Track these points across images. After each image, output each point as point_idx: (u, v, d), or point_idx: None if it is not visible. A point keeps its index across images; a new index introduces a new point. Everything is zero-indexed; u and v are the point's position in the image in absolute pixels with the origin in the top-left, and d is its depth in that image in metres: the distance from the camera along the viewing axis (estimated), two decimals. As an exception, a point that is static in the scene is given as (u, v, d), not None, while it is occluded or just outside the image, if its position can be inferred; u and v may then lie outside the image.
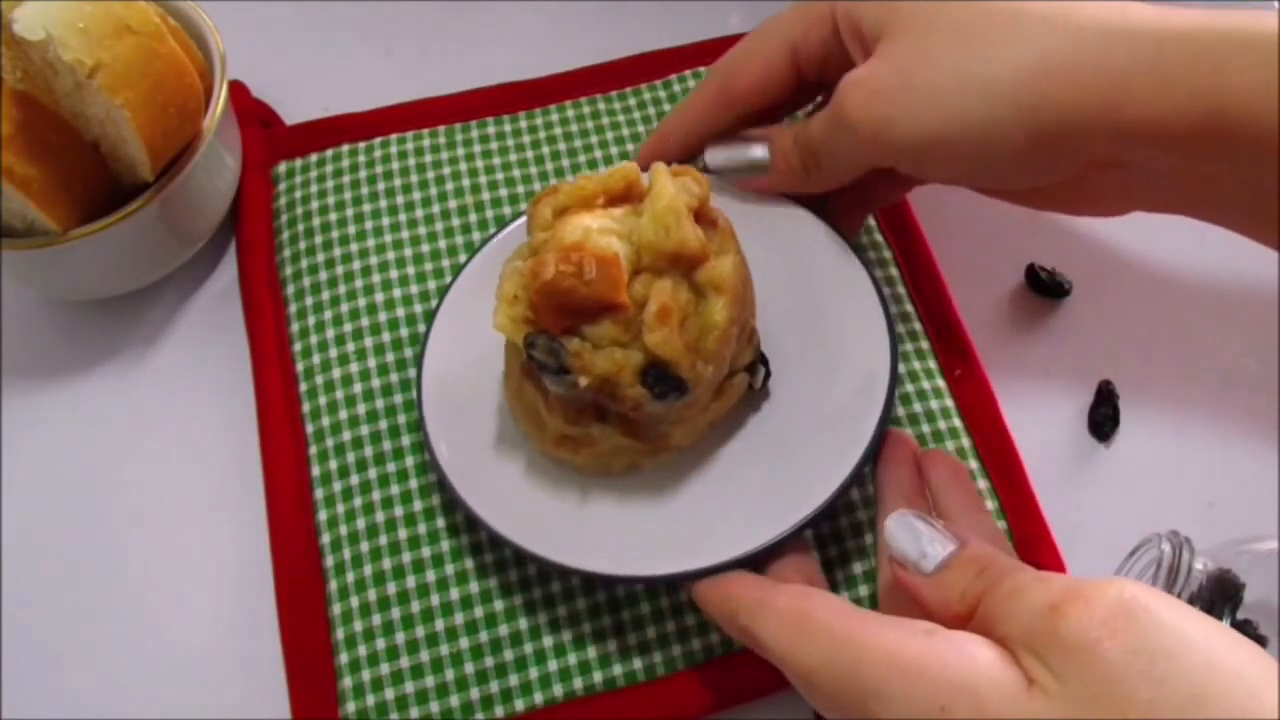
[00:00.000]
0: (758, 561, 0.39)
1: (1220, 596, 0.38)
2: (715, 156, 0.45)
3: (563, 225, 0.38)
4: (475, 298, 0.44)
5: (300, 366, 0.48)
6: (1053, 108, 0.36)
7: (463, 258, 0.50)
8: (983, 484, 0.45)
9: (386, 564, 0.43)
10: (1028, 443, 0.46)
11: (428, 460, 0.44)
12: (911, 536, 0.34)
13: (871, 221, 0.51)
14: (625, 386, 0.37)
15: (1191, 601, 0.38)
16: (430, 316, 0.45)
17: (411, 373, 0.47)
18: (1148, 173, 0.38)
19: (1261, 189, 0.36)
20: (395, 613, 0.42)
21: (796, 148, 0.42)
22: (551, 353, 0.37)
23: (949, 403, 0.46)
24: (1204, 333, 0.50)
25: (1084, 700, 0.26)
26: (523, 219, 0.46)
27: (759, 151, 0.44)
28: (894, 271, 0.50)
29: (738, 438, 0.43)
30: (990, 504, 0.44)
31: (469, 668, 0.41)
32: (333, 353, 0.48)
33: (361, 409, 0.46)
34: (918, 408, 0.46)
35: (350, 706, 0.40)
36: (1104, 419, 0.47)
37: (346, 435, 0.46)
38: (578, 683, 0.41)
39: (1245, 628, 0.39)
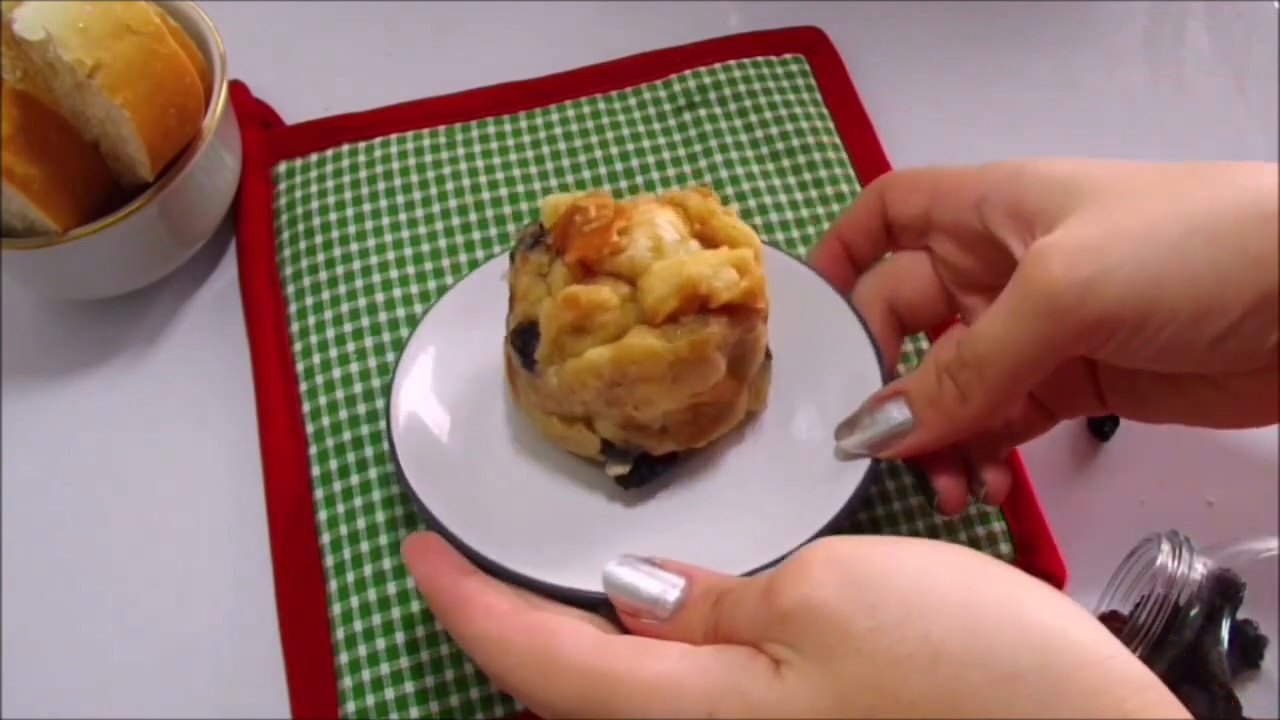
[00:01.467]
0: None
1: (1220, 596, 0.38)
2: (848, 440, 0.38)
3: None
4: (456, 324, 0.43)
5: (300, 366, 0.48)
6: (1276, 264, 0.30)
7: (463, 258, 0.50)
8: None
9: (386, 564, 0.43)
10: (1028, 443, 0.46)
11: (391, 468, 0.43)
12: (638, 584, 0.32)
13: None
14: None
15: (1191, 602, 0.38)
16: (400, 346, 0.43)
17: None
18: None
19: None
20: (395, 613, 0.42)
21: (947, 374, 0.35)
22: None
23: (949, 403, 0.46)
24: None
25: (821, 656, 0.26)
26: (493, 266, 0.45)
27: (897, 413, 0.36)
28: (894, 271, 0.50)
29: (733, 460, 0.41)
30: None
31: (469, 667, 0.41)
32: (333, 353, 0.48)
33: (361, 409, 0.46)
34: (918, 408, 0.46)
35: (350, 706, 0.40)
36: (1104, 419, 0.47)
37: (346, 435, 0.45)
38: (578, 683, 0.41)
39: (1245, 628, 0.39)
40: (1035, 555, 0.43)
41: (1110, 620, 0.41)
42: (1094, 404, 0.40)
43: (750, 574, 0.34)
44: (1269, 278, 0.31)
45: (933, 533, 0.43)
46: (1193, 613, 0.38)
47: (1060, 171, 0.35)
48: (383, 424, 0.43)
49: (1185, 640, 0.38)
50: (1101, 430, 0.47)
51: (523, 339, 0.37)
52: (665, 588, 0.32)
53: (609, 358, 0.35)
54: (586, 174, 0.53)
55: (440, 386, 0.42)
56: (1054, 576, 0.43)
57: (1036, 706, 0.24)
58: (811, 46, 0.58)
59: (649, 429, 0.38)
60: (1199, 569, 0.38)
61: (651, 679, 0.28)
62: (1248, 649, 0.39)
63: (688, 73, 0.56)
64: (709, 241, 0.37)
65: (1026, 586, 0.27)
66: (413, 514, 0.44)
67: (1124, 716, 0.24)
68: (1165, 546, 0.39)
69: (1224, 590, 0.38)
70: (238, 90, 0.55)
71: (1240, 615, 0.38)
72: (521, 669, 0.31)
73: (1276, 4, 0.60)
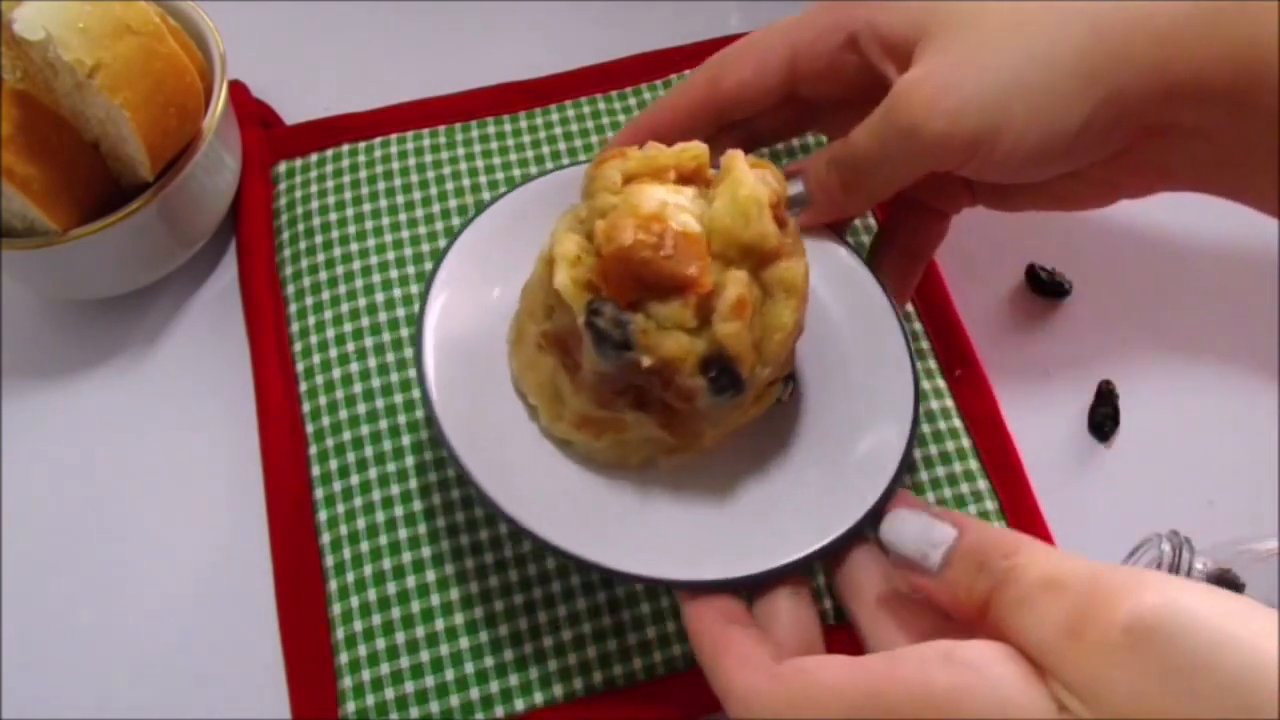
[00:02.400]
0: (756, 584, 0.36)
1: None
2: None
3: (635, 192, 0.36)
4: (483, 261, 0.42)
5: (300, 366, 0.48)
6: (1110, 74, 0.36)
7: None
8: (982, 484, 0.45)
9: (386, 564, 0.43)
10: (1028, 443, 0.46)
11: (432, 432, 0.41)
12: (908, 534, 0.32)
13: (871, 221, 0.51)
14: (685, 375, 0.35)
15: None
16: (426, 283, 0.41)
17: (412, 373, 0.47)
18: (1189, 139, 0.37)
19: None
20: (395, 613, 0.42)
21: (835, 168, 0.40)
22: (618, 324, 0.34)
23: (949, 403, 0.47)
24: (1204, 333, 0.50)
25: (1128, 703, 0.24)
26: (535, 184, 0.44)
27: (794, 187, 0.41)
28: (894, 271, 0.50)
29: (758, 447, 0.41)
30: (990, 504, 0.44)
31: (469, 667, 0.41)
32: (333, 353, 0.48)
33: (361, 409, 0.46)
34: (918, 408, 0.46)
35: (350, 706, 0.40)
36: (1104, 419, 0.47)
37: (346, 435, 0.46)
38: (578, 683, 0.41)
39: None
40: (1035, 555, 0.43)
41: None
42: (966, 198, 0.45)
43: (758, 576, 0.36)
44: (1103, 87, 0.36)
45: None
46: None
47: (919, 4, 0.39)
48: (414, 380, 0.43)
49: None
50: (1101, 430, 0.47)
51: (719, 372, 0.36)
52: (934, 535, 0.31)
53: (804, 270, 0.37)
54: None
55: (463, 328, 0.41)
56: (1054, 576, 0.43)
57: None
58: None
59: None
60: (1199, 569, 0.38)
61: (921, 689, 0.27)
62: None
63: (688, 73, 0.56)
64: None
65: None
66: (413, 514, 0.44)
67: None
68: (1165, 547, 0.39)
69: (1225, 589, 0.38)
70: (238, 90, 0.55)
71: None
72: (781, 710, 0.30)
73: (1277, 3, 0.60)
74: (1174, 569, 0.38)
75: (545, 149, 0.54)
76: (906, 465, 0.38)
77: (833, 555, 0.36)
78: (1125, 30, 0.36)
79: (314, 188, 0.53)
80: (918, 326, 0.48)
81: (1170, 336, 0.50)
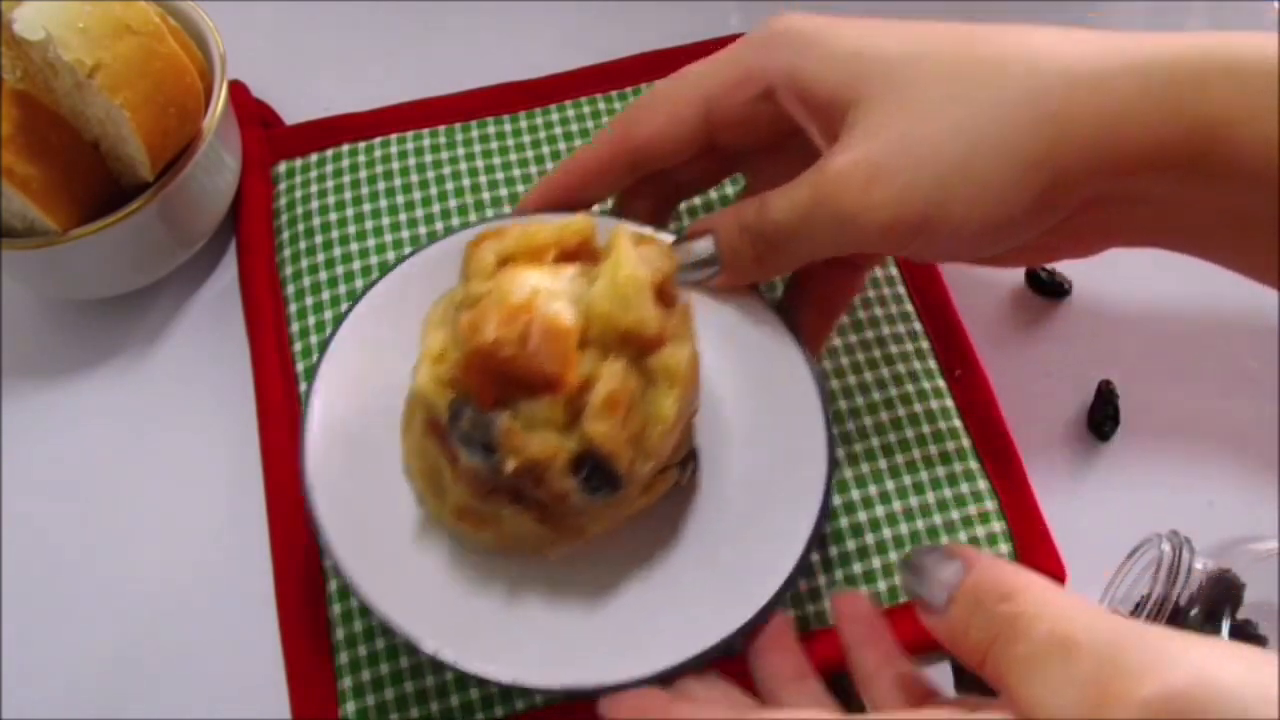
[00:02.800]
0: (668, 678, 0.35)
1: (1220, 596, 0.38)
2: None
3: (507, 278, 0.34)
4: (384, 323, 0.40)
5: (300, 367, 0.48)
6: (1057, 155, 0.34)
7: (463, 258, 0.50)
8: (982, 484, 0.45)
9: (386, 564, 0.43)
10: (1028, 443, 0.46)
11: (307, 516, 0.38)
12: (919, 572, 0.30)
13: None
14: (555, 475, 0.33)
15: (1191, 602, 0.38)
16: (323, 344, 0.40)
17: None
18: (1133, 205, 0.36)
19: (1248, 218, 0.35)
20: (395, 613, 0.42)
21: (747, 235, 0.38)
22: (479, 426, 0.33)
23: (949, 403, 0.47)
24: (1204, 332, 0.50)
25: None
26: (448, 242, 0.42)
27: (702, 245, 0.39)
28: (894, 271, 0.50)
29: (656, 532, 0.39)
30: (990, 504, 0.44)
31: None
32: (333, 353, 0.48)
33: (361, 409, 0.46)
34: (918, 408, 0.46)
35: (350, 706, 0.40)
36: (1104, 419, 0.47)
37: (346, 435, 0.45)
38: (578, 683, 0.41)
39: (1245, 628, 0.39)
40: (1035, 555, 0.43)
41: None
42: (877, 259, 0.44)
43: (671, 671, 0.35)
44: (1048, 170, 0.34)
45: (932, 533, 0.43)
46: (1193, 613, 0.38)
47: (845, 48, 0.36)
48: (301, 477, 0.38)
49: None
50: (1101, 430, 0.47)
51: (591, 472, 0.34)
52: (935, 587, 0.30)
53: (687, 357, 0.35)
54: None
55: (353, 401, 0.39)
56: (1054, 576, 0.43)
57: None
58: (811, 46, 0.58)
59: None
60: (1199, 569, 0.38)
61: None
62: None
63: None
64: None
65: None
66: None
67: None
68: (1165, 547, 0.39)
69: (1224, 590, 0.38)
70: (238, 90, 0.55)
71: (1240, 615, 0.38)
72: None
73: (1276, 4, 0.60)
74: (1174, 569, 0.38)
75: (545, 149, 0.54)
76: (803, 566, 0.36)
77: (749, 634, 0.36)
78: (1070, 110, 0.33)
79: (314, 188, 0.53)
80: (917, 326, 0.48)
81: (1170, 336, 0.50)
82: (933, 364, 0.48)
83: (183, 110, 0.45)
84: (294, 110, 0.56)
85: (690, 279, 0.39)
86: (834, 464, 0.38)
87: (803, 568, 0.36)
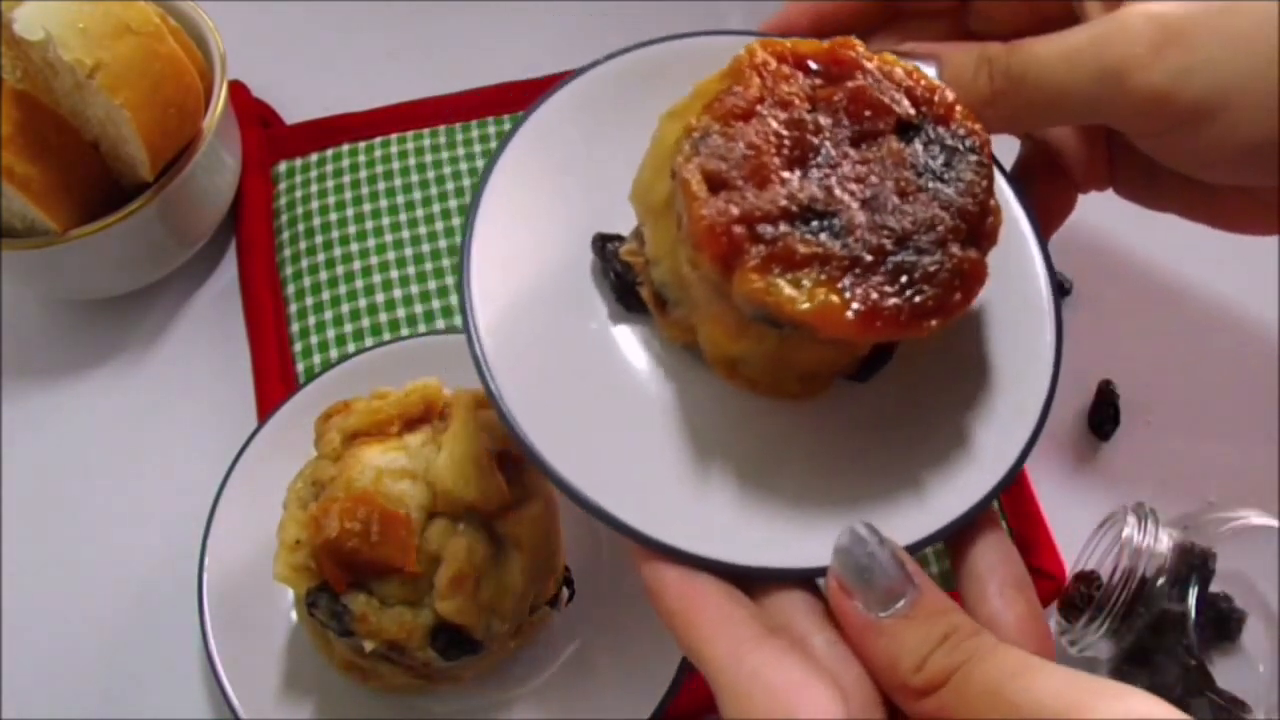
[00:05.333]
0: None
1: (1186, 567, 0.38)
2: None
3: (352, 462, 0.35)
4: (273, 463, 0.41)
5: (300, 366, 0.48)
6: None
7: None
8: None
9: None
10: (1028, 443, 0.46)
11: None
12: (868, 567, 0.26)
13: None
14: (414, 648, 0.35)
15: (1159, 573, 0.38)
16: (216, 497, 0.42)
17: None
18: None
19: None
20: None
21: (988, 70, 0.32)
22: (334, 615, 0.35)
23: (949, 403, 0.46)
24: (1204, 332, 0.50)
25: None
26: (332, 372, 0.44)
27: (926, 69, 0.32)
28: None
29: (540, 657, 0.41)
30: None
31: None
32: (333, 353, 0.48)
33: (361, 409, 0.46)
34: (918, 408, 0.46)
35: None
36: (1104, 419, 0.47)
37: (346, 435, 0.45)
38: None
39: (1220, 602, 0.39)
40: (1035, 554, 0.43)
41: (1084, 578, 0.41)
42: (1102, 177, 0.38)
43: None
44: None
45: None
46: (1159, 583, 0.38)
47: None
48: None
49: (1154, 611, 0.38)
50: (1102, 430, 0.47)
51: (448, 643, 0.35)
52: (886, 593, 0.26)
53: (533, 519, 0.36)
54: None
55: (246, 545, 0.40)
56: (1054, 576, 0.43)
57: None
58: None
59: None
60: (1165, 540, 0.39)
61: None
62: (1221, 623, 0.39)
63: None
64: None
65: None
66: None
67: None
68: (1131, 519, 0.39)
69: (1190, 561, 0.38)
70: (238, 90, 0.55)
71: (1215, 588, 0.38)
72: None
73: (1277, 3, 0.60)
74: (1139, 542, 0.38)
75: (545, 149, 0.54)
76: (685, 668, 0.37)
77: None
78: None
79: (314, 187, 0.53)
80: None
81: (1170, 336, 0.50)
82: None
83: (183, 110, 0.45)
84: (294, 110, 0.56)
85: None
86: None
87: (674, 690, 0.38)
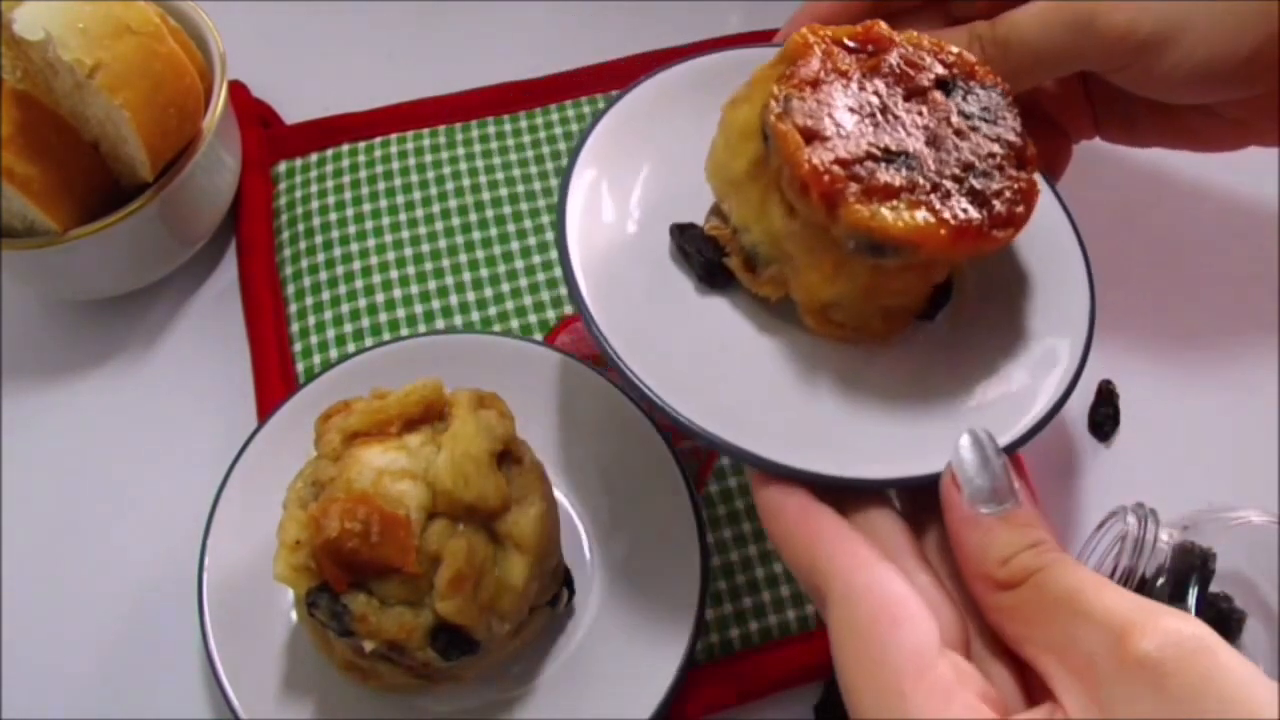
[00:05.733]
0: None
1: (1187, 567, 0.38)
2: None
3: (352, 462, 0.35)
4: (273, 463, 0.41)
5: (300, 366, 0.48)
6: None
7: (463, 258, 0.50)
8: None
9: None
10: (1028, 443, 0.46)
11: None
12: (983, 465, 0.30)
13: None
14: (414, 648, 0.35)
15: (1159, 573, 0.38)
16: (216, 497, 0.42)
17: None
18: None
19: None
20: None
21: (979, 43, 0.39)
22: (334, 615, 0.34)
23: (949, 403, 0.46)
24: (1204, 333, 0.50)
25: None
26: (332, 372, 0.44)
27: None
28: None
29: (539, 657, 0.41)
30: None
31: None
32: (333, 353, 0.48)
33: (361, 409, 0.46)
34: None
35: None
36: (1104, 419, 0.47)
37: (346, 435, 0.45)
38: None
39: (1220, 602, 0.39)
40: (1035, 555, 0.43)
41: None
42: (1089, 125, 0.44)
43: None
44: (1273, 25, 0.36)
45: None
46: (1160, 583, 0.38)
47: None
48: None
49: None
50: (1101, 430, 0.47)
51: (448, 643, 0.35)
52: (995, 491, 0.29)
53: (534, 519, 0.36)
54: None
55: (248, 542, 0.41)
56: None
57: None
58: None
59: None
60: (1165, 540, 0.39)
61: None
62: (1221, 623, 0.39)
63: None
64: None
65: None
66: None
67: None
68: (1130, 519, 0.39)
69: (1190, 561, 0.38)
70: (238, 90, 0.55)
71: (1215, 588, 0.38)
72: (846, 636, 0.28)
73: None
74: (1139, 541, 0.38)
75: (545, 149, 0.54)
76: (689, 660, 0.38)
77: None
78: None
79: (314, 187, 0.53)
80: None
81: (1170, 336, 0.50)
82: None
83: (183, 110, 0.45)
84: (294, 110, 0.56)
85: None
86: (705, 594, 0.40)
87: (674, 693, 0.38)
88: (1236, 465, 0.46)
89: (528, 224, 0.52)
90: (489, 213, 0.52)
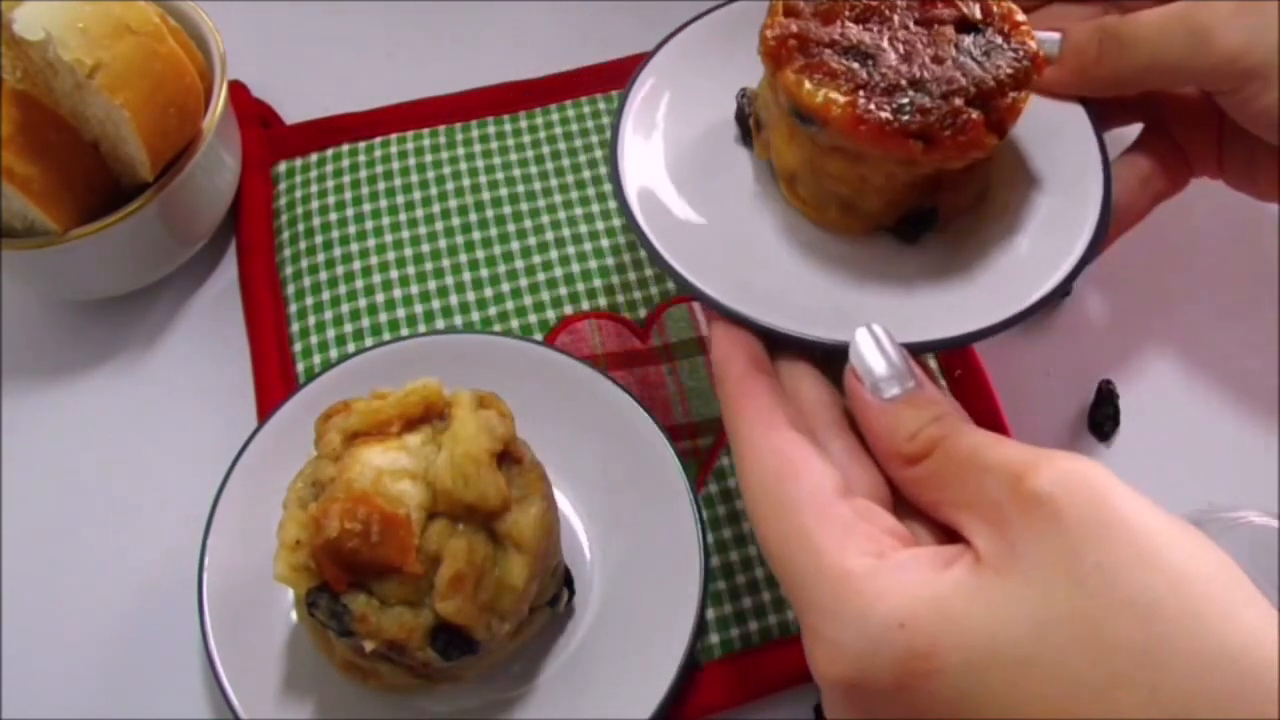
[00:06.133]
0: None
1: None
2: None
3: (352, 462, 0.35)
4: (273, 463, 0.41)
5: (300, 366, 0.48)
6: None
7: (463, 258, 0.50)
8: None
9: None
10: (1028, 443, 0.46)
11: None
12: (879, 355, 0.32)
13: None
14: (414, 648, 0.35)
15: None
16: (216, 497, 0.42)
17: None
18: None
19: None
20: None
21: (1098, 35, 0.39)
22: (334, 615, 0.35)
23: (949, 402, 0.46)
24: (1204, 332, 0.50)
25: (1040, 568, 0.26)
26: (333, 372, 0.44)
27: (1047, 36, 0.40)
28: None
29: (539, 657, 0.41)
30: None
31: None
32: (333, 353, 0.48)
33: (361, 409, 0.46)
34: (918, 408, 0.46)
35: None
36: (1104, 419, 0.47)
37: (346, 435, 0.45)
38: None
39: None
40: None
41: None
42: (1212, 164, 0.43)
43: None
44: None
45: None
46: None
47: None
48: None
49: None
50: (1101, 430, 0.47)
51: (447, 643, 0.35)
52: (893, 378, 0.32)
53: (534, 518, 0.36)
54: (586, 174, 0.53)
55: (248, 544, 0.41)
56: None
57: (1232, 691, 0.24)
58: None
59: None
60: None
61: (853, 575, 0.28)
62: None
63: None
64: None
65: (1247, 585, 0.27)
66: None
67: None
68: None
69: None
70: (238, 90, 0.55)
71: None
72: (755, 491, 0.31)
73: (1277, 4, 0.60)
74: None
75: (545, 149, 0.54)
76: (690, 659, 0.39)
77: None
78: None
79: (314, 187, 0.53)
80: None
81: (1170, 336, 0.50)
82: (933, 364, 0.48)
83: (183, 110, 0.45)
84: (294, 110, 0.56)
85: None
86: (705, 596, 0.40)
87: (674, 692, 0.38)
88: (1236, 465, 0.46)
89: (528, 224, 0.52)
90: (489, 213, 0.52)
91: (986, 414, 0.46)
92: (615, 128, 0.40)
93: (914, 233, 0.38)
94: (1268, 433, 0.47)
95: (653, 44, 0.58)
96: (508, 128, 0.55)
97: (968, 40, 0.36)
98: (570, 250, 0.51)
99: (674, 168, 0.40)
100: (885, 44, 0.35)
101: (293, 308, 0.49)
